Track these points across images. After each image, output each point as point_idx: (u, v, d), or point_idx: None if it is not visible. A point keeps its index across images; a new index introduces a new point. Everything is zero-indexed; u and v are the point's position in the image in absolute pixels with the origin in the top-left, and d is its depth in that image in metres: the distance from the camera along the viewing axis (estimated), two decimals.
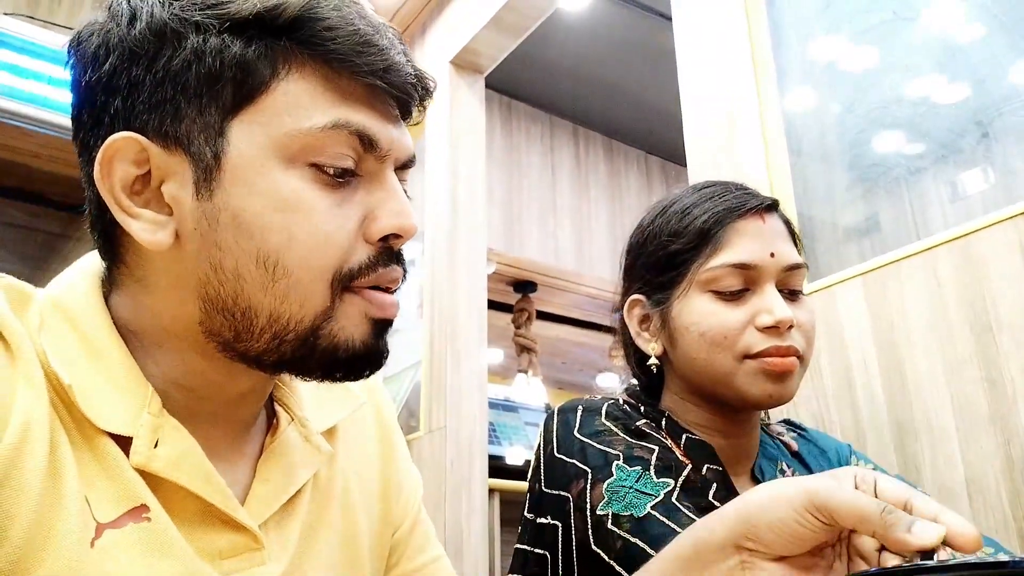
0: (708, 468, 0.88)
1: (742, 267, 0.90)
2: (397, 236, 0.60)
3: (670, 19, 1.86)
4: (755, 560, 0.53)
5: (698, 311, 0.91)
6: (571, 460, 0.87)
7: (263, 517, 0.61)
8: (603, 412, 0.91)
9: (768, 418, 1.09)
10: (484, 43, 2.74)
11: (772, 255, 0.91)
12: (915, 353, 1.24)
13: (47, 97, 2.79)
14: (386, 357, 0.61)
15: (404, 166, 0.64)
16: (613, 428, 0.89)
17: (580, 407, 0.93)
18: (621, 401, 0.96)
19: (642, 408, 0.95)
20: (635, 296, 0.98)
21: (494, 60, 2.84)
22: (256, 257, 0.56)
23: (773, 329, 0.88)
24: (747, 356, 0.88)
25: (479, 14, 2.68)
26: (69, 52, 0.60)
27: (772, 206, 0.96)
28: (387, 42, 0.59)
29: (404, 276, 0.63)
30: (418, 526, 0.79)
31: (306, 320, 0.57)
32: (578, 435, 0.89)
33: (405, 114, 0.63)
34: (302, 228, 0.56)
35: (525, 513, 0.94)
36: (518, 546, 0.94)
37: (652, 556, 0.73)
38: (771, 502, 0.52)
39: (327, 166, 0.57)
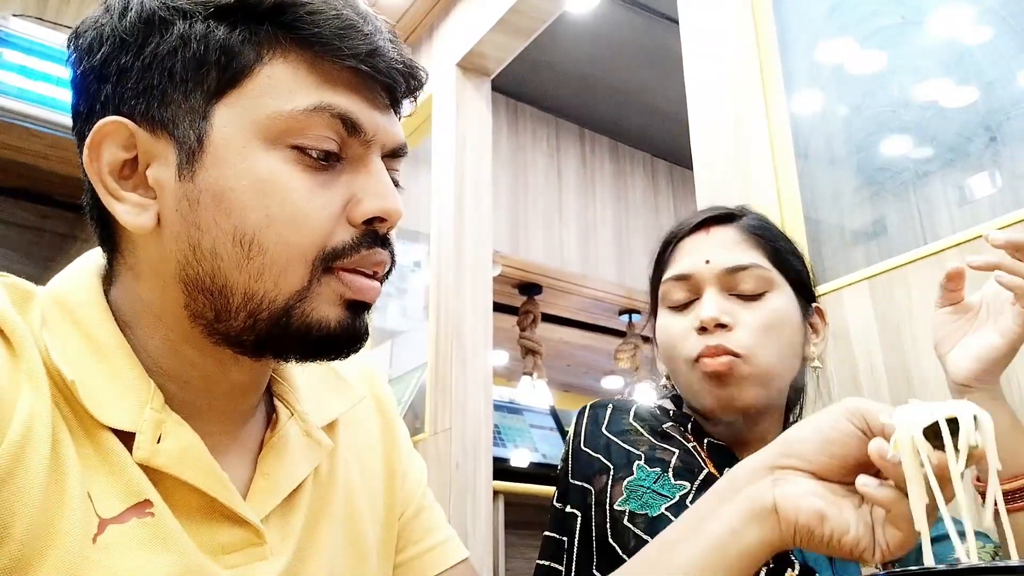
0: (727, 472, 0.90)
1: (681, 278, 0.96)
2: (382, 220, 0.60)
3: (677, 22, 1.86)
4: (787, 475, 0.56)
5: (660, 328, 0.98)
6: (596, 455, 0.90)
7: (265, 512, 0.62)
8: (632, 412, 0.94)
9: (795, 418, 1.10)
10: (491, 46, 2.74)
11: (707, 262, 0.94)
12: (922, 357, 1.24)
13: (55, 98, 2.80)
14: (364, 338, 0.62)
15: (394, 155, 0.64)
16: (639, 428, 0.91)
17: (611, 405, 0.96)
18: (654, 404, 0.99)
19: (671, 411, 0.98)
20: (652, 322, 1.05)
21: (501, 63, 2.84)
22: (233, 236, 0.56)
23: (703, 331, 0.92)
24: (693, 360, 0.92)
25: (486, 17, 2.68)
26: (69, 47, 0.62)
27: (723, 218, 0.98)
28: (372, 28, 0.60)
29: (392, 261, 0.63)
30: (424, 511, 0.80)
31: (279, 299, 0.57)
32: (605, 431, 0.92)
33: (394, 102, 0.63)
34: (280, 207, 0.56)
35: (553, 502, 0.96)
36: (546, 533, 0.96)
37: None
38: (809, 419, 0.58)
39: (309, 148, 0.58)
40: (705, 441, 0.93)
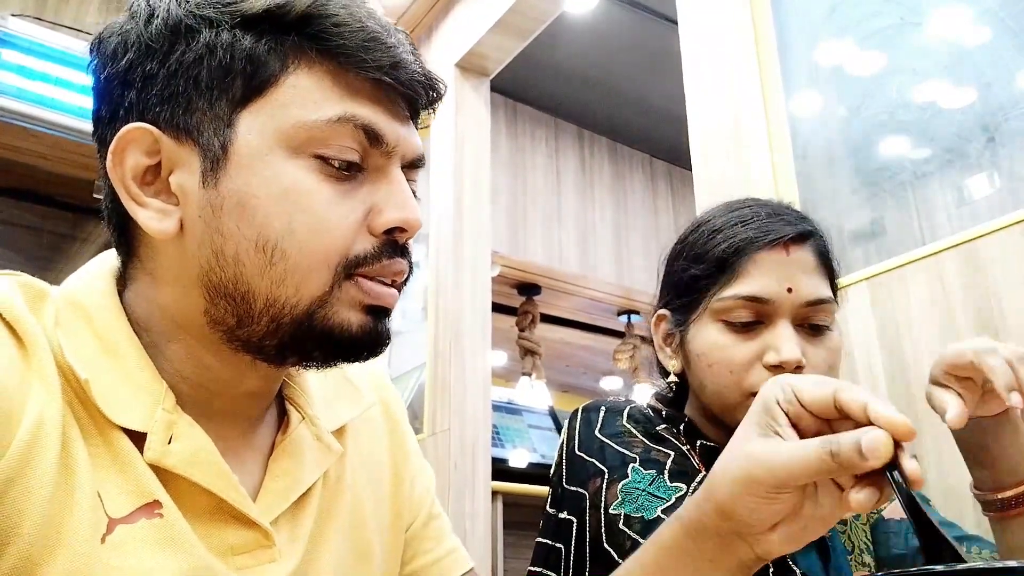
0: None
1: (754, 300, 0.88)
2: (402, 230, 0.61)
3: (676, 23, 1.87)
4: (757, 537, 0.55)
5: (709, 341, 0.90)
6: (590, 459, 0.89)
7: (274, 514, 0.62)
8: (625, 414, 0.93)
9: None
10: (490, 46, 2.75)
11: (789, 290, 0.88)
12: (921, 358, 1.24)
13: (54, 98, 2.79)
14: (386, 342, 0.62)
15: (413, 165, 0.65)
16: (633, 430, 0.90)
17: (603, 407, 0.94)
18: (645, 405, 0.98)
19: (664, 412, 0.97)
20: (662, 311, 0.99)
21: (500, 63, 2.85)
22: (256, 242, 0.57)
23: (778, 368, 0.86)
24: (752, 394, 0.86)
25: (485, 17, 2.68)
26: (92, 52, 0.62)
27: (801, 237, 0.91)
28: (395, 40, 0.61)
29: (410, 271, 0.63)
30: (432, 521, 0.80)
31: (301, 304, 0.58)
32: (599, 434, 0.90)
33: (414, 113, 0.64)
34: (303, 216, 0.57)
35: (547, 508, 0.95)
36: (539, 540, 0.95)
37: None
38: (736, 499, 0.53)
39: (332, 159, 0.58)
40: (698, 443, 0.93)
